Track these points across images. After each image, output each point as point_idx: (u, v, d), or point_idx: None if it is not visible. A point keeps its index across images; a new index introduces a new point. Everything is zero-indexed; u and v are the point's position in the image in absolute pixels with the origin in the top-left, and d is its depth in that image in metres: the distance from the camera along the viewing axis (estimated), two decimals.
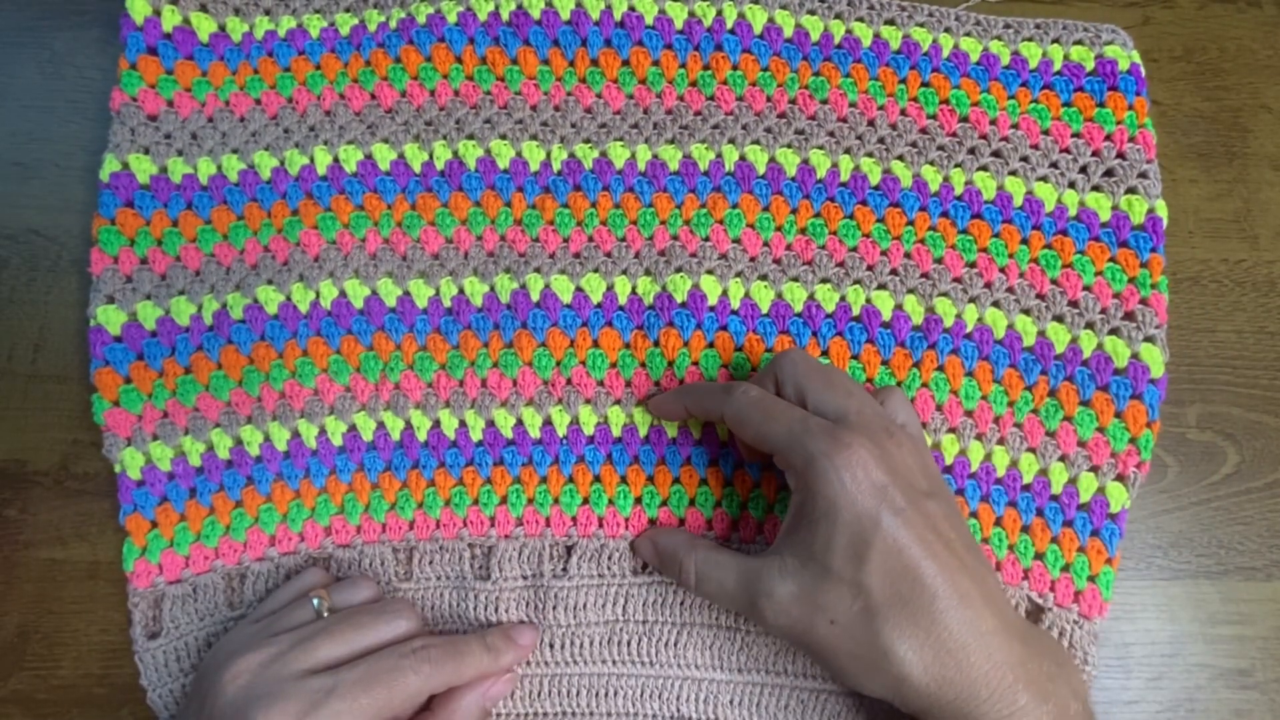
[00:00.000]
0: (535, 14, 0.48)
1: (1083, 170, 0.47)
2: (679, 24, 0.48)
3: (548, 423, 0.43)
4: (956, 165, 0.47)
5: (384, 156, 0.46)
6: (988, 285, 0.45)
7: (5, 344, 0.45)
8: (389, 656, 0.34)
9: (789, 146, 0.47)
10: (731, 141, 0.47)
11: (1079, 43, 0.49)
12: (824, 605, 0.33)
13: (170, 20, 0.48)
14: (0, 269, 0.46)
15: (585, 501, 0.42)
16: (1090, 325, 0.44)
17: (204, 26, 0.48)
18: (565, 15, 0.48)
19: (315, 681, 0.32)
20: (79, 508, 0.43)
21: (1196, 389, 0.46)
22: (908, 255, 0.45)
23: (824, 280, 0.45)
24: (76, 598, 0.42)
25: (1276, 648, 0.43)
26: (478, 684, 0.36)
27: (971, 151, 0.47)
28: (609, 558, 0.41)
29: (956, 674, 0.31)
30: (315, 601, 0.37)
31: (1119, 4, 0.53)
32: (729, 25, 0.48)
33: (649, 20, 0.48)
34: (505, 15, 0.48)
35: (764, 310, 0.45)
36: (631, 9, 0.48)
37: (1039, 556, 0.42)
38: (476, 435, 0.43)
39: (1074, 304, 0.45)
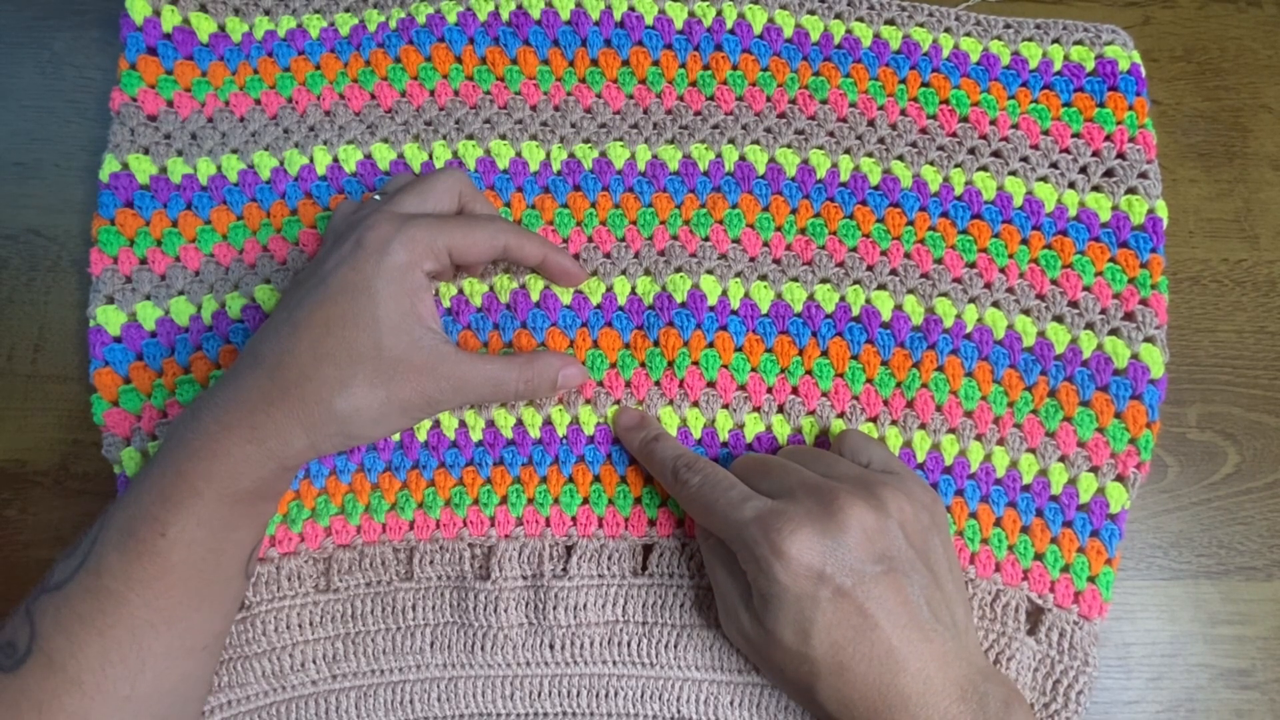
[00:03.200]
0: (535, 14, 0.48)
1: (1083, 170, 0.47)
2: (679, 24, 0.48)
3: (548, 423, 0.43)
4: (956, 165, 0.47)
5: (383, 157, 0.46)
6: (987, 285, 0.45)
7: (5, 344, 0.45)
8: (470, 214, 0.40)
9: (789, 146, 0.47)
10: (731, 141, 0.47)
11: (1079, 43, 0.49)
12: (774, 658, 0.35)
13: (170, 20, 0.48)
14: (0, 269, 0.46)
15: (585, 501, 0.42)
16: (1090, 326, 0.44)
17: (204, 27, 0.48)
18: (565, 15, 0.48)
19: (409, 213, 0.38)
20: (79, 508, 0.43)
21: (1196, 389, 0.46)
22: (907, 255, 0.45)
23: (824, 280, 0.45)
24: None
25: (1276, 648, 0.43)
26: (561, 355, 0.41)
27: (971, 152, 0.47)
28: (609, 558, 0.41)
29: None
30: (376, 197, 0.40)
31: (1119, 4, 0.53)
32: (729, 25, 0.48)
33: (649, 20, 0.48)
34: (505, 15, 0.48)
35: (763, 310, 0.45)
36: (631, 9, 0.48)
37: (1039, 557, 0.42)
38: (476, 435, 0.43)
39: (1074, 304, 0.45)
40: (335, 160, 0.46)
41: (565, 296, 0.44)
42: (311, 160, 0.46)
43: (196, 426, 0.34)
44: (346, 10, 0.49)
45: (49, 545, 0.43)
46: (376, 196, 0.40)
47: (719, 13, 0.49)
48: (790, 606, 0.33)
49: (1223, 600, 0.44)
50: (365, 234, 0.36)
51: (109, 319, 0.44)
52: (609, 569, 0.41)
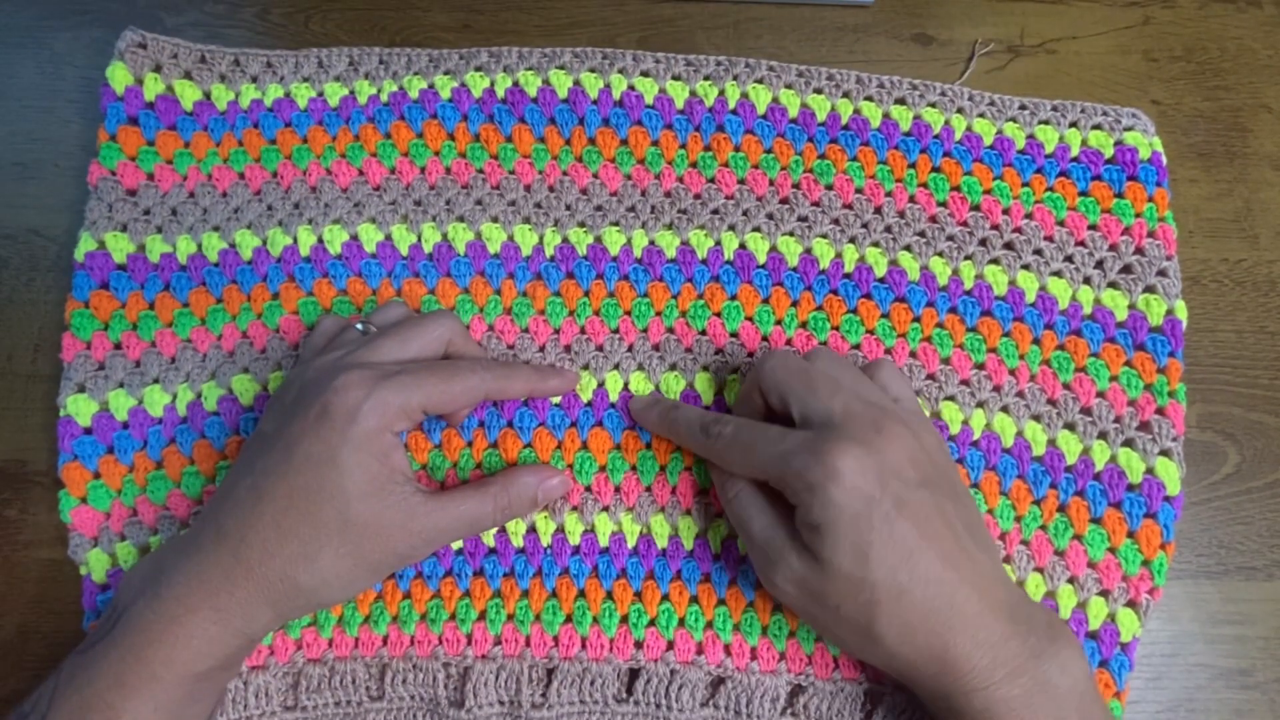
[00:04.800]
0: (531, 91, 0.46)
1: (1099, 265, 0.45)
2: (680, 103, 0.46)
3: (531, 530, 0.41)
4: (966, 257, 0.45)
5: (370, 238, 0.44)
6: (996, 389, 0.43)
7: (5, 344, 0.45)
8: (450, 361, 0.39)
9: (791, 234, 0.45)
10: (731, 228, 0.45)
11: (1098, 127, 0.47)
12: (831, 594, 0.33)
13: (153, 89, 0.46)
14: (0, 269, 0.46)
15: (569, 619, 0.40)
16: (1103, 435, 0.42)
17: (188, 94, 0.46)
18: (562, 93, 0.46)
19: (384, 366, 0.36)
20: None
21: (1196, 389, 0.45)
22: (913, 355, 0.43)
23: None
24: (76, 598, 0.41)
25: (1276, 648, 0.42)
26: (538, 469, 0.40)
27: (983, 243, 0.45)
28: (591, 683, 0.39)
29: (942, 652, 0.33)
30: (359, 326, 0.39)
31: (1119, 4, 0.52)
32: (731, 105, 0.47)
33: (649, 99, 0.46)
34: (500, 92, 0.46)
35: None
36: (631, 88, 0.46)
37: None
38: (456, 544, 0.41)
39: (1086, 411, 0.43)
40: (320, 241, 0.44)
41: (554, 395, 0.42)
42: (295, 240, 0.44)
43: (157, 606, 0.33)
44: (336, 79, 0.47)
45: (49, 545, 0.42)
46: (359, 326, 0.39)
47: (721, 92, 0.47)
48: (847, 529, 0.32)
49: (1223, 600, 0.43)
50: (332, 399, 0.34)
51: (80, 409, 0.42)
52: (590, 695, 0.39)
